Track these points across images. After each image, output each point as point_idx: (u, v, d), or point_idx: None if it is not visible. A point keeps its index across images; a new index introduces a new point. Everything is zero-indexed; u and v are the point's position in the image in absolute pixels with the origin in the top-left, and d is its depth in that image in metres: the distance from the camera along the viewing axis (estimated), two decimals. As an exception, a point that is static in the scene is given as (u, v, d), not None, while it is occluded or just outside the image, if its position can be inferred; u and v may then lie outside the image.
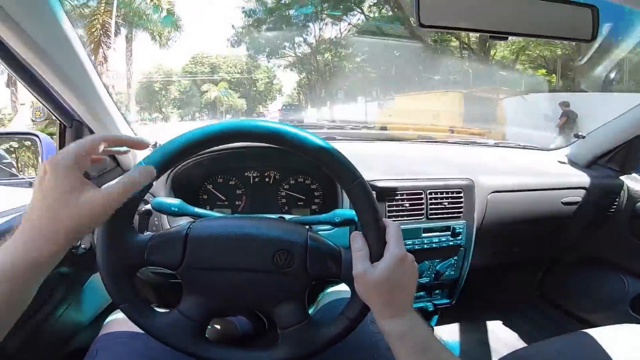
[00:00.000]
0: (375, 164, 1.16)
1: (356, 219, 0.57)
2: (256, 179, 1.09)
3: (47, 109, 0.80)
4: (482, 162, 1.33)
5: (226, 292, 0.53)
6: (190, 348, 0.52)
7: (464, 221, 1.10)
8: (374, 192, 1.00)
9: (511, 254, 1.44)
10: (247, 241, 0.52)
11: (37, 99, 0.76)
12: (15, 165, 0.92)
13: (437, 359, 0.48)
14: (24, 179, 0.89)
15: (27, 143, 0.91)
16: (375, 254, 0.51)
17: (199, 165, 1.02)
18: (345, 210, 0.66)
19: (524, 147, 1.55)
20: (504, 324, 1.60)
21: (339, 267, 0.53)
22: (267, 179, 1.10)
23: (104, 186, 0.41)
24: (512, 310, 1.66)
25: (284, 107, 26.17)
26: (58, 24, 0.65)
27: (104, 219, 0.42)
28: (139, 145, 0.49)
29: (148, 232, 0.73)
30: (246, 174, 1.09)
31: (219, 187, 1.08)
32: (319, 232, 0.93)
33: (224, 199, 1.08)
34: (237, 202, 1.09)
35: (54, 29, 0.64)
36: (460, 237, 1.09)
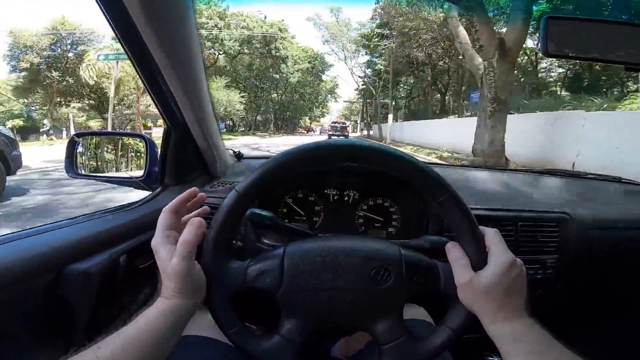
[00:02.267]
0: (467, 192, 1.09)
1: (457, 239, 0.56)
2: (335, 197, 1.07)
3: (160, 111, 0.83)
4: (580, 195, 1.19)
5: (325, 312, 0.52)
6: None
7: (557, 255, 0.99)
8: None
9: (602, 293, 1.29)
10: (343, 260, 0.51)
11: (154, 101, 0.79)
12: (126, 164, 0.96)
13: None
14: (128, 179, 0.93)
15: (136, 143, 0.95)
16: (477, 262, 0.50)
17: (282, 179, 1.01)
18: (436, 237, 0.63)
19: (621, 181, 1.38)
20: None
21: (437, 280, 0.52)
22: (346, 198, 1.07)
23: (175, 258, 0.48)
24: (590, 349, 1.47)
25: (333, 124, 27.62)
26: (191, 34, 0.66)
27: (189, 273, 0.48)
28: (196, 199, 0.58)
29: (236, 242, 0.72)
30: (326, 191, 1.06)
31: (299, 201, 1.06)
32: None
33: (302, 213, 1.06)
34: (314, 219, 1.07)
35: (187, 37, 0.66)
36: (550, 271, 0.99)
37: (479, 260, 0.50)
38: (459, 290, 0.50)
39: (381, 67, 25.86)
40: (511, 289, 0.49)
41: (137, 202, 0.88)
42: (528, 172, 1.39)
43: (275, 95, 37.87)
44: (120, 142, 0.97)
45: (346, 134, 25.86)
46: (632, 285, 1.26)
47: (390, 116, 22.94)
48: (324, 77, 42.07)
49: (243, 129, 34.53)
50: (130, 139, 0.97)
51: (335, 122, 28.52)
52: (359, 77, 31.79)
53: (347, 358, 0.81)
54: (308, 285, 0.51)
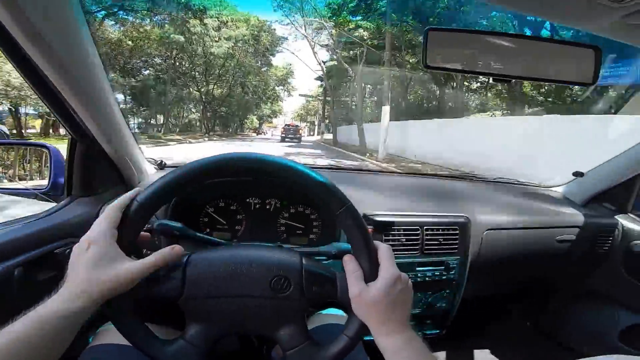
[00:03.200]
0: (374, 197, 1.14)
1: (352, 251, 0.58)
2: (257, 206, 1.07)
3: (61, 122, 0.79)
4: (479, 198, 1.30)
5: (228, 318, 0.52)
6: None
7: (458, 257, 1.08)
8: (371, 225, 0.99)
9: (504, 287, 1.41)
10: (244, 269, 0.52)
11: (52, 112, 0.75)
12: (25, 174, 0.90)
13: None
14: (28, 190, 0.87)
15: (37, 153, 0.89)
16: (369, 275, 0.52)
17: (202, 189, 1.00)
18: (342, 243, 0.65)
19: (522, 184, 1.52)
20: (493, 353, 1.55)
21: (334, 290, 0.53)
22: (267, 207, 1.08)
23: (137, 261, 0.48)
24: (503, 341, 1.61)
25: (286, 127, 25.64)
26: (81, 40, 0.64)
27: (133, 285, 0.47)
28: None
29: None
30: (247, 200, 1.07)
31: (220, 211, 1.05)
32: None
33: (224, 222, 1.06)
34: (236, 227, 1.06)
35: (76, 44, 0.63)
36: (453, 272, 1.07)
37: (370, 273, 0.52)
38: (352, 302, 0.52)
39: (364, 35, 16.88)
40: (396, 302, 0.51)
41: (38, 214, 0.83)
42: (437, 177, 1.48)
43: (203, 84, 24.66)
44: (21, 151, 0.91)
45: (299, 136, 24.29)
46: (525, 280, 1.39)
47: (386, 110, 12.17)
48: (273, 61, 29.75)
49: (159, 131, 21.03)
50: (32, 148, 0.91)
51: (288, 125, 26.66)
52: (323, 62, 21.70)
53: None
54: (210, 292, 0.51)
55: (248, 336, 0.92)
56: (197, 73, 24.16)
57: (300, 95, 37.29)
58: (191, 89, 24.15)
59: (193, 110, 26.62)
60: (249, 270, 0.52)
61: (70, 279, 0.46)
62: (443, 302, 1.11)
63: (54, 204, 0.87)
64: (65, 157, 0.88)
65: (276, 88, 34.11)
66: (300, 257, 0.55)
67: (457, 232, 1.07)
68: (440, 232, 1.05)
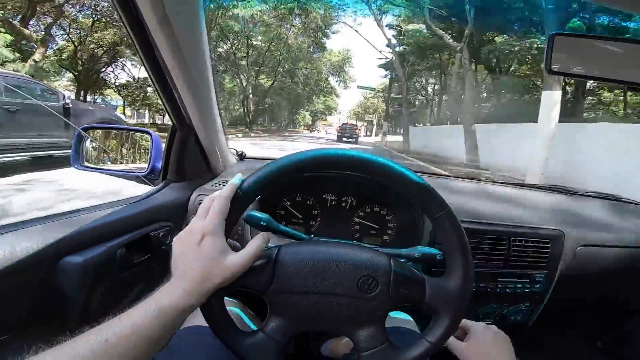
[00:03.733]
0: (457, 202, 1.08)
1: (438, 257, 0.59)
2: (333, 202, 1.06)
3: (167, 110, 0.83)
4: (574, 212, 1.17)
5: (311, 315, 0.52)
6: None
7: (546, 271, 0.99)
8: None
9: (586, 305, 1.28)
10: (333, 266, 0.52)
11: (161, 100, 0.79)
12: (130, 158, 0.97)
13: None
14: (131, 172, 0.93)
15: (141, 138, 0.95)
16: (462, 283, 0.52)
17: (285, 181, 1.01)
18: (427, 248, 0.64)
19: (621, 200, 1.36)
20: None
21: (422, 293, 0.52)
22: (343, 204, 1.06)
23: (240, 252, 0.48)
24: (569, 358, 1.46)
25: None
26: (200, 30, 0.66)
27: (238, 277, 0.48)
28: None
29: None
30: (324, 196, 1.06)
31: (296, 205, 1.06)
32: None
33: (300, 217, 1.06)
34: (311, 222, 1.06)
35: (196, 34, 0.65)
36: (538, 286, 0.98)
37: (464, 280, 0.51)
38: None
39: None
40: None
41: (137, 196, 0.88)
42: (525, 187, 1.37)
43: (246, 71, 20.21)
44: (126, 136, 0.98)
45: (356, 136, 22.63)
46: (610, 300, 1.25)
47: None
48: (327, 44, 23.78)
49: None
50: (136, 133, 0.98)
51: (345, 124, 24.84)
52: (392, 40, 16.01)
53: (334, 358, 0.81)
54: (296, 287, 0.51)
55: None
56: (236, 57, 19.85)
57: (358, 87, 30.22)
58: (239, 77, 20.74)
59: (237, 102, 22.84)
60: (337, 267, 0.52)
61: (185, 271, 0.45)
62: (518, 315, 1.04)
63: (151, 187, 0.93)
64: (163, 144, 0.93)
65: (330, 78, 28.25)
66: (388, 258, 0.54)
67: (549, 245, 0.98)
68: (530, 244, 0.97)
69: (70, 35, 12.63)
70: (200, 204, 0.94)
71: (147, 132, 0.92)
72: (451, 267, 0.53)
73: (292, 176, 0.53)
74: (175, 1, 0.56)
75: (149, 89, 13.17)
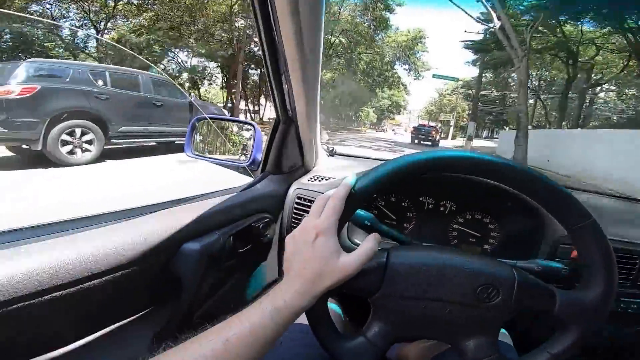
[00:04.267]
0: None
1: (563, 272, 0.58)
2: (430, 206, 0.99)
3: (275, 102, 0.84)
4: None
5: (419, 321, 0.50)
6: None
7: None
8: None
9: None
10: (450, 272, 0.49)
11: (272, 93, 0.80)
12: (236, 149, 1.01)
13: None
14: (233, 162, 0.97)
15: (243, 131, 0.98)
16: (600, 308, 0.48)
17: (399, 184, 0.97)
18: (550, 262, 0.61)
19: None
20: None
21: (552, 303, 0.48)
22: (441, 208, 0.98)
23: (352, 254, 0.46)
24: None
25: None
26: (320, 28, 0.64)
27: (348, 279, 0.45)
28: None
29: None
30: (421, 198, 0.99)
31: (391, 206, 1.00)
32: None
33: (393, 218, 1.00)
34: (404, 225, 1.00)
35: (316, 31, 0.64)
36: None
37: (601, 305, 0.47)
38: None
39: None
40: None
41: (240, 186, 0.91)
42: None
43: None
44: (231, 127, 1.02)
45: (432, 138, 19.60)
46: None
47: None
48: (392, 20, 18.85)
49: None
50: (242, 125, 1.02)
51: (421, 125, 22.37)
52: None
53: None
54: (408, 292, 0.49)
55: None
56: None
57: (434, 76, 20.97)
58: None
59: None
60: (454, 274, 0.49)
61: (298, 271, 0.44)
62: (629, 336, 0.92)
63: (251, 178, 0.96)
64: (265, 137, 0.95)
65: (397, 66, 21.16)
66: (511, 268, 0.50)
67: None
68: None
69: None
70: (298, 197, 0.95)
71: (251, 124, 0.95)
72: (590, 279, 0.48)
73: (407, 178, 0.49)
74: None
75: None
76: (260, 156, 0.96)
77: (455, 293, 0.48)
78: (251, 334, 0.40)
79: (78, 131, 4.67)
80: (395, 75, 22.85)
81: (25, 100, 4.20)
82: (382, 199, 1.00)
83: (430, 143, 19.65)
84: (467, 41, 16.73)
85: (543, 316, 0.49)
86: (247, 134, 1.00)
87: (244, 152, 0.99)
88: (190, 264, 0.63)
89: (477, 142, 18.10)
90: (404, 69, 22.47)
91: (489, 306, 0.48)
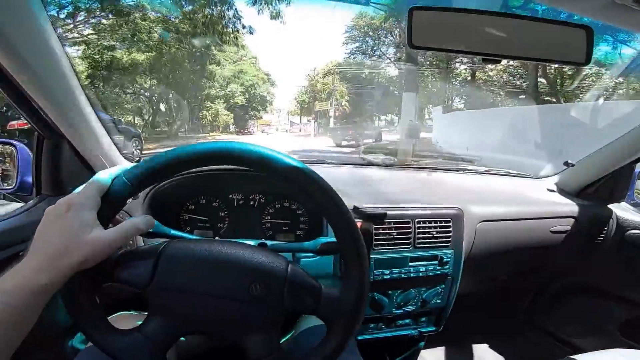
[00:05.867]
0: (365, 189, 1.09)
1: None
2: (240, 202, 1.01)
3: (27, 120, 0.73)
4: (472, 190, 1.25)
5: (194, 316, 0.48)
6: None
7: (452, 250, 1.02)
8: (360, 219, 0.94)
9: (500, 281, 1.36)
10: (224, 267, 0.48)
11: (17, 109, 0.69)
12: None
13: None
14: (4, 189, 0.81)
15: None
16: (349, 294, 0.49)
17: (181, 186, 0.94)
18: (329, 239, 0.62)
19: (514, 175, 1.48)
20: (491, 349, 1.51)
21: (317, 302, 0.49)
22: (251, 202, 1.02)
23: (110, 229, 0.43)
24: (500, 337, 1.56)
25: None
26: (42, 36, 0.60)
27: (104, 257, 0.43)
28: None
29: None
30: (230, 196, 1.01)
31: (201, 208, 0.99)
32: (302, 259, 0.85)
33: (206, 219, 0.99)
34: (219, 225, 1.00)
35: (38, 41, 0.59)
36: (447, 267, 1.01)
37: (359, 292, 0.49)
38: None
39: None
40: None
41: (4, 215, 0.76)
42: (429, 170, 1.43)
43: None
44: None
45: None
46: (520, 273, 1.35)
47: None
48: None
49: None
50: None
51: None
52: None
53: None
54: (181, 286, 0.47)
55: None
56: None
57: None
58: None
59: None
60: (229, 268, 0.48)
61: (39, 247, 0.41)
62: (438, 299, 1.05)
63: (21, 204, 0.80)
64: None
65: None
66: (286, 264, 0.51)
67: (450, 224, 1.02)
68: (432, 224, 1.00)
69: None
70: None
71: (9, 143, 0.80)
72: (347, 275, 0.50)
73: (181, 169, 0.48)
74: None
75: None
76: (30, 179, 0.81)
77: (228, 288, 0.47)
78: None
79: None
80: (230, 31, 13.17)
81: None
82: (192, 202, 0.98)
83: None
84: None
85: (311, 314, 0.51)
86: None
87: (4, 176, 0.82)
88: None
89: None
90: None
91: (262, 303, 0.47)
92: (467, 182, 1.36)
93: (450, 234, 1.02)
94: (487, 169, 1.46)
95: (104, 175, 0.45)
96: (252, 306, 0.47)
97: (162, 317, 0.48)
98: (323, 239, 0.63)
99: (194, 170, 0.82)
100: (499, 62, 0.72)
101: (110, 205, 0.45)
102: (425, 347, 1.21)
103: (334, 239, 0.57)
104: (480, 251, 1.09)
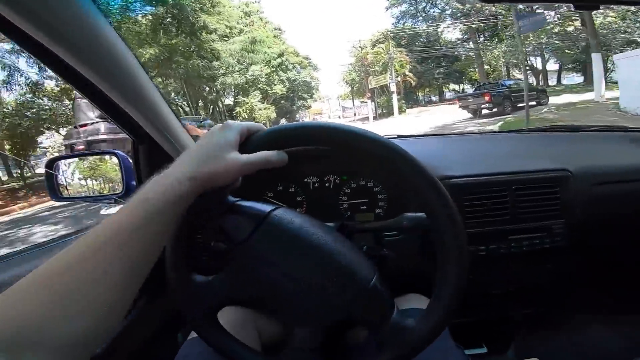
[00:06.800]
0: (453, 159, 0.99)
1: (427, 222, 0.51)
2: (316, 185, 1.00)
3: (119, 126, 0.79)
4: (582, 150, 1.05)
5: (262, 290, 0.48)
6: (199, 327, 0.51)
7: (562, 219, 0.88)
8: (448, 190, 0.84)
9: (617, 254, 1.15)
10: (315, 254, 0.47)
11: (107, 116, 0.75)
12: (102, 183, 0.94)
13: None
14: (107, 195, 0.90)
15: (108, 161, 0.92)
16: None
17: (257, 176, 0.95)
18: (414, 214, 0.57)
19: (628, 130, 1.20)
20: (604, 332, 1.27)
21: (384, 321, 0.45)
22: (327, 184, 0.99)
23: (244, 154, 0.45)
24: (616, 319, 1.31)
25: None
26: (113, 46, 0.62)
27: (234, 178, 0.45)
28: None
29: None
30: (305, 180, 1.00)
31: (279, 195, 1.00)
32: (387, 239, 0.80)
33: (284, 206, 1.00)
34: (297, 210, 1.01)
35: (107, 50, 0.61)
36: (559, 238, 0.87)
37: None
38: None
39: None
40: None
41: None
42: (523, 132, 1.24)
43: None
44: (92, 161, 0.95)
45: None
46: None
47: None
48: None
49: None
50: (102, 157, 0.95)
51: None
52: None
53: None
54: (267, 256, 0.48)
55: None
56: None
57: None
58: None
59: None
60: (321, 257, 0.47)
61: (191, 154, 0.44)
62: (543, 276, 0.93)
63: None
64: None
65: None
66: (374, 271, 0.48)
67: (557, 189, 0.87)
68: (535, 191, 0.87)
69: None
70: None
71: (112, 153, 0.89)
72: (441, 276, 0.45)
73: (302, 144, 0.48)
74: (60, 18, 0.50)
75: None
76: (134, 183, 0.90)
77: (305, 274, 0.46)
78: (120, 231, 0.36)
79: None
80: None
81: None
82: (270, 191, 1.00)
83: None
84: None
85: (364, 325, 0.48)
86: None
87: (111, 182, 0.92)
88: None
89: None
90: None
91: (332, 298, 0.46)
92: (576, 142, 1.14)
93: (558, 201, 0.88)
94: (599, 126, 1.20)
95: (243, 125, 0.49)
96: (316, 297, 0.46)
97: (232, 277, 0.50)
98: (408, 215, 0.58)
99: None
100: (597, 7, 0.58)
101: (248, 142, 0.47)
102: (528, 331, 1.10)
103: (421, 214, 0.55)
104: (597, 218, 0.93)
